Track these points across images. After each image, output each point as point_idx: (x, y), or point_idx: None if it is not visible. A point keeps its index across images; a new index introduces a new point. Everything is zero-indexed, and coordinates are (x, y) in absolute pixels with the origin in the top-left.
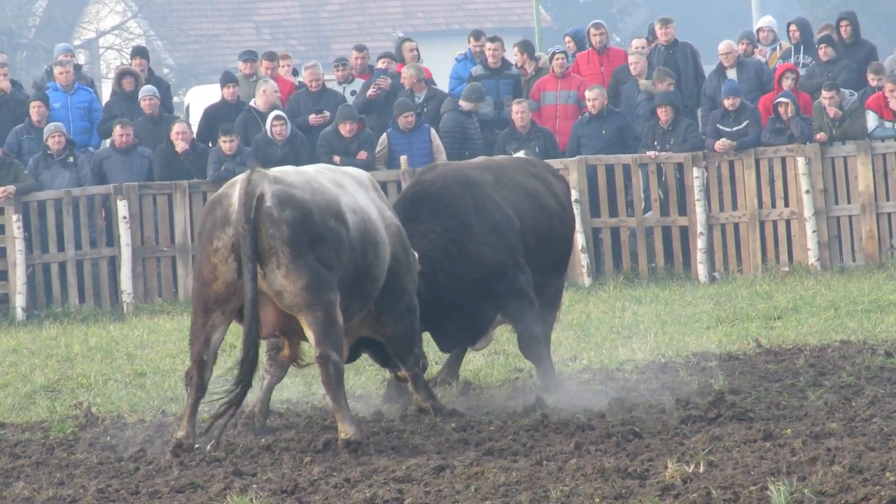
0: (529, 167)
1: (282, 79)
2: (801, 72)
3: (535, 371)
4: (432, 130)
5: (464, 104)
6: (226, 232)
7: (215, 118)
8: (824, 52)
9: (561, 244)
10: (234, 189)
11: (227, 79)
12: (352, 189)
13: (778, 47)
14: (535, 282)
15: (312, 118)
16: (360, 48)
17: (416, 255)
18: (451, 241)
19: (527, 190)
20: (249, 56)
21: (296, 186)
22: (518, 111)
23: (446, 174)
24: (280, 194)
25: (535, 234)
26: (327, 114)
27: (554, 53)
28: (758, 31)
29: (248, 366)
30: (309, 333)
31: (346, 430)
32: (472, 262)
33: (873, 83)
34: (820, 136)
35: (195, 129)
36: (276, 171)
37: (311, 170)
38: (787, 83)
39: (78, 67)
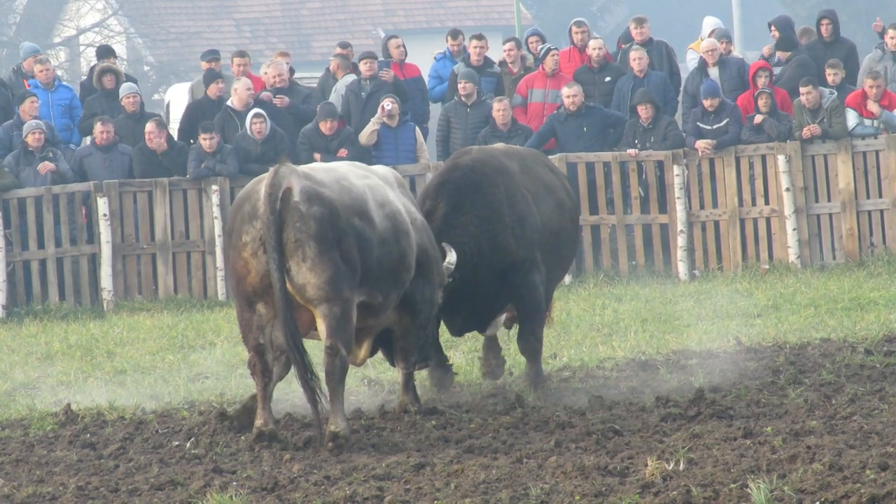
0: (544, 159)
1: (253, 76)
2: (776, 71)
3: (526, 367)
4: (416, 128)
5: (461, 87)
6: (254, 226)
7: (196, 116)
8: (782, 56)
9: (568, 242)
10: (262, 185)
11: (212, 76)
12: (379, 186)
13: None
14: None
15: (276, 100)
16: (345, 45)
17: (452, 247)
18: (484, 233)
19: (545, 183)
20: (212, 55)
21: (324, 184)
22: (499, 109)
23: (483, 160)
24: (308, 190)
25: (549, 229)
26: (287, 99)
27: (549, 50)
28: (710, 34)
29: (299, 361)
30: (322, 326)
31: (337, 424)
32: (498, 254)
33: (829, 79)
34: (812, 127)
35: (176, 126)
36: (305, 168)
37: (341, 167)
38: (761, 81)
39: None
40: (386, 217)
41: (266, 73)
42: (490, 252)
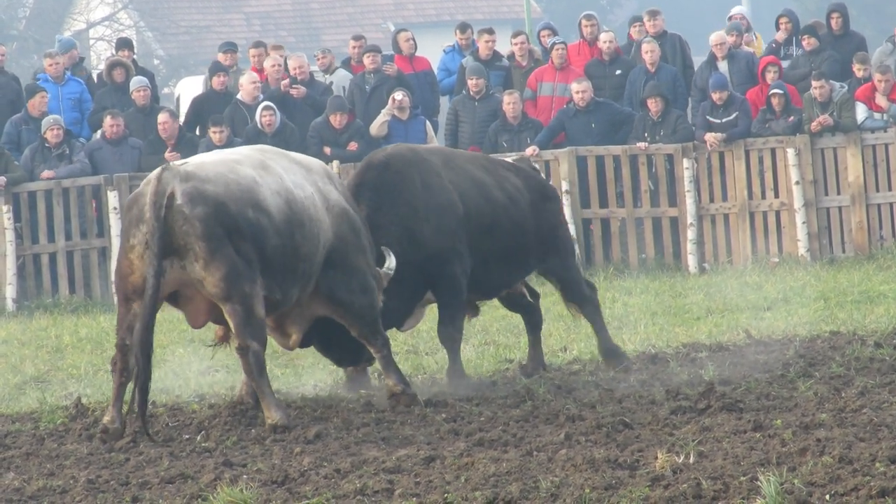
0: (483, 161)
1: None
2: (784, 64)
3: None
4: (427, 122)
5: (471, 83)
6: (140, 230)
7: (203, 108)
8: (808, 43)
9: (506, 237)
10: (149, 187)
11: (217, 68)
12: (280, 171)
13: (754, 36)
14: (476, 272)
15: (293, 90)
16: (358, 37)
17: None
18: (404, 231)
19: (474, 179)
20: (230, 47)
21: (209, 181)
22: (509, 102)
23: (396, 154)
24: (190, 192)
25: (478, 222)
26: (303, 89)
27: (554, 44)
28: (729, 18)
29: (141, 357)
30: (230, 323)
31: (272, 416)
32: (417, 247)
33: (858, 73)
34: (823, 118)
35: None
36: (193, 162)
37: (237, 156)
38: (770, 76)
39: (81, 60)
40: (285, 204)
41: (274, 67)
42: (409, 245)
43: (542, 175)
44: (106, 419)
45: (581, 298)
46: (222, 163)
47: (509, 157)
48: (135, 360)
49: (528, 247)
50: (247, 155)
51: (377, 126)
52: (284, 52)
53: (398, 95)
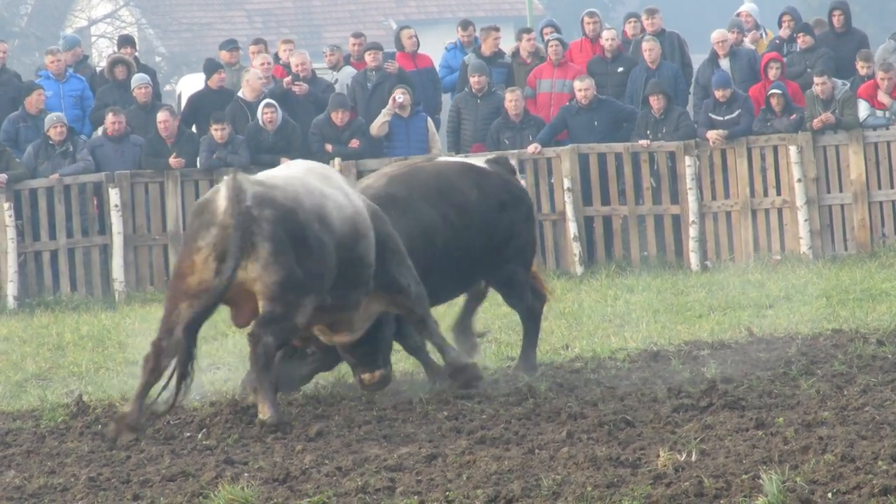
0: (439, 183)
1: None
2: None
3: None
4: (428, 119)
5: (473, 80)
6: (210, 232)
7: (200, 106)
8: (803, 41)
9: (449, 261)
10: (219, 193)
11: (214, 66)
12: (334, 185)
13: (763, 34)
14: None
15: (295, 87)
16: (358, 35)
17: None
18: None
19: (417, 221)
20: (231, 45)
21: (278, 188)
22: (511, 100)
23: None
24: (261, 194)
25: (419, 259)
26: (306, 86)
27: (549, 41)
28: (737, 16)
29: (186, 355)
30: (260, 313)
31: (264, 412)
32: None
33: (862, 71)
34: (826, 116)
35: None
36: (262, 175)
37: (301, 171)
38: (772, 73)
39: (85, 58)
40: (345, 221)
41: (263, 66)
42: None
43: (517, 175)
44: (125, 409)
45: (523, 309)
46: (291, 177)
47: (485, 158)
48: (179, 350)
49: (474, 262)
50: (308, 172)
51: (377, 126)
52: (293, 46)
53: (399, 97)
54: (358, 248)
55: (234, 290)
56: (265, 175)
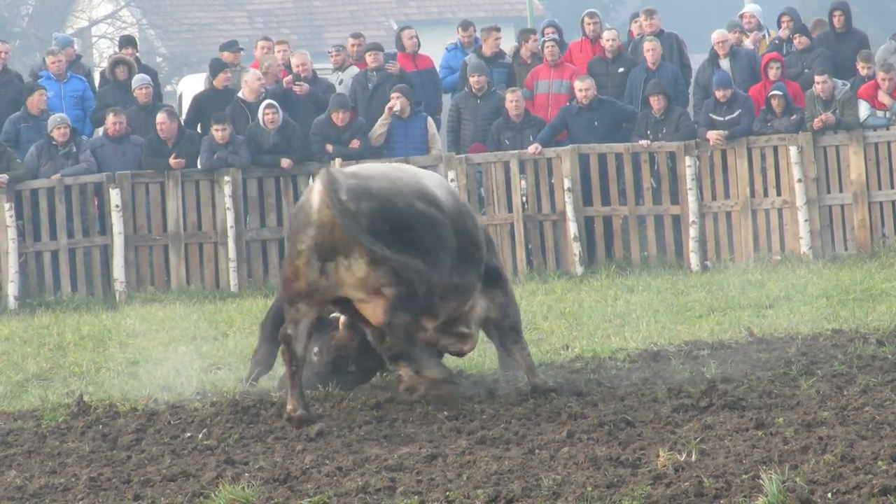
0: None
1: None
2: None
3: None
4: (429, 119)
5: (473, 80)
6: (307, 234)
7: (203, 106)
8: (799, 42)
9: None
10: (313, 192)
11: (219, 66)
12: (422, 172)
13: (766, 35)
14: None
15: (296, 87)
16: (357, 35)
17: None
18: None
19: None
20: (233, 46)
21: (373, 178)
22: (512, 100)
23: None
24: (355, 188)
25: None
26: (306, 86)
27: (544, 42)
28: (741, 16)
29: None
30: (373, 311)
31: (433, 373)
32: None
33: (862, 72)
34: (826, 116)
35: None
36: (353, 168)
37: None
38: (772, 73)
39: (78, 58)
40: (450, 194)
41: (264, 67)
42: None
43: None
44: (289, 408)
45: None
46: (383, 165)
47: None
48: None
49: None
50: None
51: (375, 136)
52: (288, 47)
53: (396, 106)
54: (467, 223)
55: (351, 294)
56: (356, 168)
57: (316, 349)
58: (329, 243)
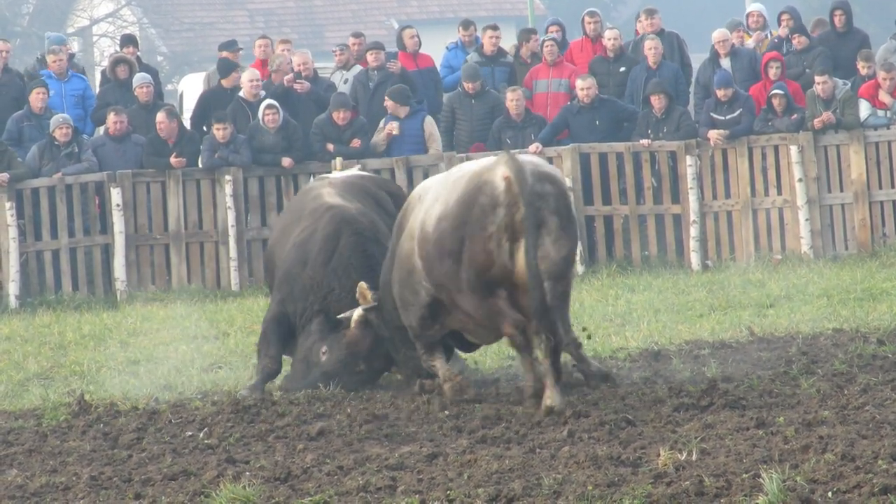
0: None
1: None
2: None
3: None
4: (428, 119)
5: (468, 87)
6: (497, 214)
7: (210, 105)
8: (798, 42)
9: None
10: (495, 173)
11: (230, 66)
12: None
13: (769, 34)
14: None
15: (297, 85)
16: (358, 34)
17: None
18: None
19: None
20: (232, 46)
21: (545, 164)
22: (513, 99)
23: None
24: (539, 171)
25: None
26: (307, 84)
27: (544, 41)
28: (747, 16)
29: (553, 329)
30: (541, 300)
31: (552, 398)
32: None
33: (863, 71)
34: (826, 115)
35: (189, 116)
36: (528, 157)
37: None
38: (772, 72)
39: (71, 56)
40: None
41: (274, 65)
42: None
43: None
44: (548, 402)
45: None
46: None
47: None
48: (544, 329)
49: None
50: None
51: (377, 145)
52: (291, 46)
53: (395, 131)
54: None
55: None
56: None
57: (324, 348)
58: (519, 224)
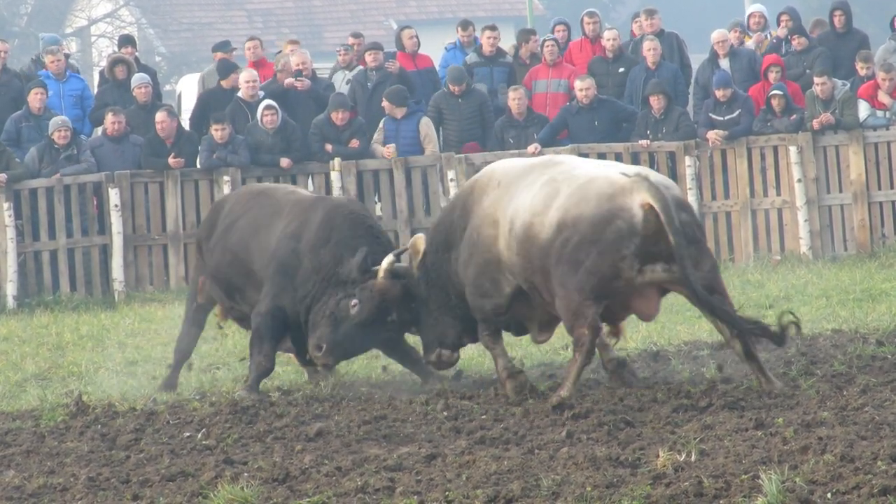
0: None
1: (268, 62)
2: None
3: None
4: (424, 120)
5: (454, 89)
6: (632, 242)
7: (210, 105)
8: (798, 42)
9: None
10: (633, 200)
11: (230, 67)
12: None
13: (768, 35)
14: None
15: (297, 82)
16: (357, 35)
17: None
18: None
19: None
20: (225, 46)
21: (676, 188)
22: (515, 98)
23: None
24: (676, 199)
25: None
26: (308, 82)
27: (544, 41)
28: (749, 16)
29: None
30: (651, 306)
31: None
32: None
33: (862, 72)
34: (825, 116)
35: (187, 116)
36: (654, 176)
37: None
38: (772, 76)
39: (66, 57)
40: None
41: (280, 65)
42: None
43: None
44: (564, 394)
45: None
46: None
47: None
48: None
49: None
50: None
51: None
52: (299, 46)
53: (393, 155)
54: None
55: (641, 291)
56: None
57: (354, 301)
58: (654, 251)
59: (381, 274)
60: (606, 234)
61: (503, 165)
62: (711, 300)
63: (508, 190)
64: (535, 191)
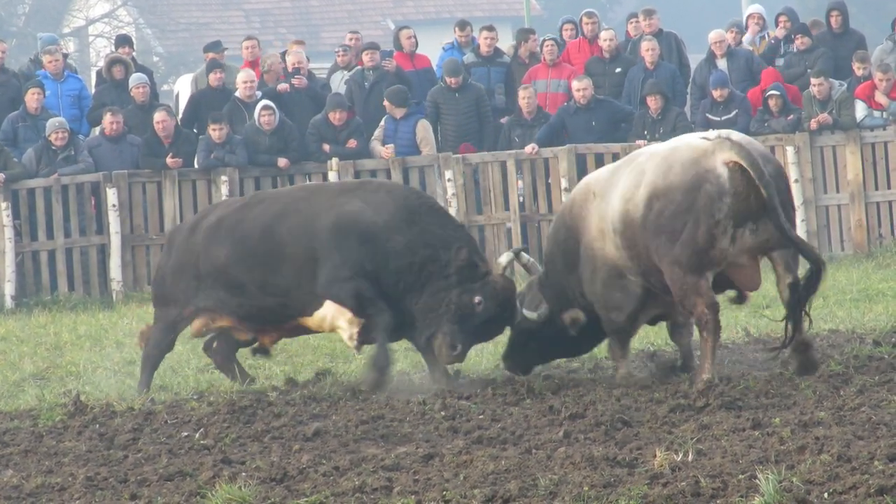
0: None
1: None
2: (780, 63)
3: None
4: (421, 122)
5: (451, 81)
6: (723, 202)
7: (200, 105)
8: (801, 42)
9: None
10: (715, 160)
11: (214, 65)
12: None
13: (766, 35)
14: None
15: (294, 81)
16: (355, 33)
17: None
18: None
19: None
20: (216, 47)
21: (756, 142)
22: (525, 97)
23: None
24: (763, 152)
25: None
26: (305, 80)
27: (543, 41)
28: (747, 17)
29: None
30: (752, 276)
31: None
32: None
33: (858, 72)
34: (822, 116)
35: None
36: (736, 135)
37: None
38: (772, 102)
39: (64, 56)
40: None
41: (266, 66)
42: None
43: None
44: (706, 376)
45: None
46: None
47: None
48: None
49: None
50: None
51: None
52: (304, 47)
53: (390, 156)
54: None
55: (745, 254)
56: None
57: (478, 298)
58: (744, 210)
59: (500, 270)
60: (698, 200)
61: (595, 176)
62: (797, 239)
63: (605, 197)
64: (623, 180)
